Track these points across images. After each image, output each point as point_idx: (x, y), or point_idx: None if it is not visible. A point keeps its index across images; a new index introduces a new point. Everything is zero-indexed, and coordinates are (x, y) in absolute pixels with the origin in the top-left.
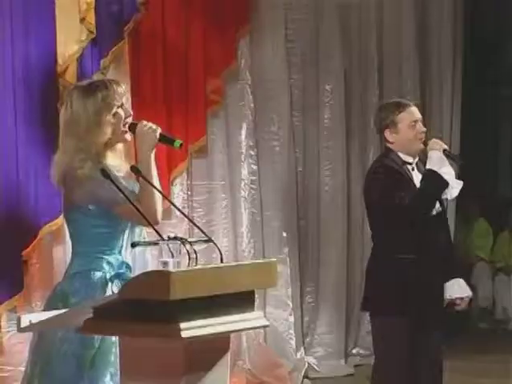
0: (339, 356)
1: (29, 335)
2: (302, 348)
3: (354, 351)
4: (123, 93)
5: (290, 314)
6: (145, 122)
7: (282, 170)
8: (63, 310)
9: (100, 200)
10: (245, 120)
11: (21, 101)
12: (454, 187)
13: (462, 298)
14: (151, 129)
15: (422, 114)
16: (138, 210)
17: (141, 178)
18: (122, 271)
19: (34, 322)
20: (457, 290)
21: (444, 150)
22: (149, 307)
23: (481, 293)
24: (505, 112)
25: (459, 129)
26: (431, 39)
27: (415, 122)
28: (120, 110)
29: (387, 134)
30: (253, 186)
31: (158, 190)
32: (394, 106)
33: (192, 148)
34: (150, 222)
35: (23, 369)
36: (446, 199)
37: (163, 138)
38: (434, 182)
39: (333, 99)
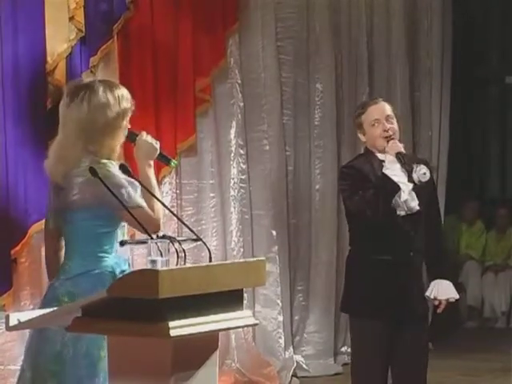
0: (328, 355)
1: (19, 334)
2: (291, 347)
3: (342, 350)
4: (130, 98)
5: (279, 313)
6: (145, 134)
7: (272, 169)
8: (51, 309)
9: (107, 203)
10: (234, 119)
11: (9, 100)
12: (405, 190)
13: (439, 300)
14: (152, 143)
15: (412, 112)
16: (132, 216)
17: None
18: (125, 268)
19: (22, 320)
20: (435, 291)
21: (397, 154)
22: (137, 306)
23: (470, 291)
24: (493, 110)
25: (448, 127)
26: (421, 38)
27: (375, 120)
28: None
29: (359, 135)
30: (242, 184)
31: (157, 199)
32: (359, 107)
33: (181, 147)
34: (149, 229)
35: (12, 367)
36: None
37: (160, 156)
38: (385, 185)
39: (323, 98)
